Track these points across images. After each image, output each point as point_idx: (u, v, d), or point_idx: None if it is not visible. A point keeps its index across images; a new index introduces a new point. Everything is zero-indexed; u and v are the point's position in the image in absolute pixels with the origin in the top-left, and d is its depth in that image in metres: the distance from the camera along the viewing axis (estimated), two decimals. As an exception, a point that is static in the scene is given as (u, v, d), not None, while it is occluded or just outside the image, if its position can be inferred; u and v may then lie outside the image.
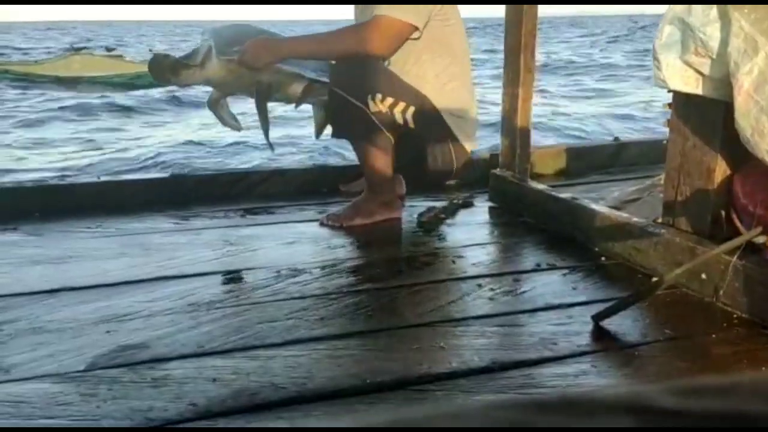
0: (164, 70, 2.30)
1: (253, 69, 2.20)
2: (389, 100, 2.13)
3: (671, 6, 1.61)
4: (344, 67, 2.15)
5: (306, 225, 2.24)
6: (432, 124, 2.22)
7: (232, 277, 1.78)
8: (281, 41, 2.25)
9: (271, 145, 2.46)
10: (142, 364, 1.31)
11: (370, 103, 2.11)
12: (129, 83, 13.96)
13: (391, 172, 2.25)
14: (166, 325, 1.48)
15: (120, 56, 18.70)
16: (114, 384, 1.23)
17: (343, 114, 2.17)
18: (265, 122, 2.36)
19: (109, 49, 20.60)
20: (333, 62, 2.21)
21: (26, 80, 15.85)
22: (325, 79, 2.27)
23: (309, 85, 2.34)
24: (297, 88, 2.35)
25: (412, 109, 2.16)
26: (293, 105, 2.44)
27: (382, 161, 2.21)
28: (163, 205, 2.41)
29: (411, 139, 2.22)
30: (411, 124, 2.17)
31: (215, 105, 2.46)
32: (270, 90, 2.33)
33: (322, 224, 2.23)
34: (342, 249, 2.01)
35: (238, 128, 2.52)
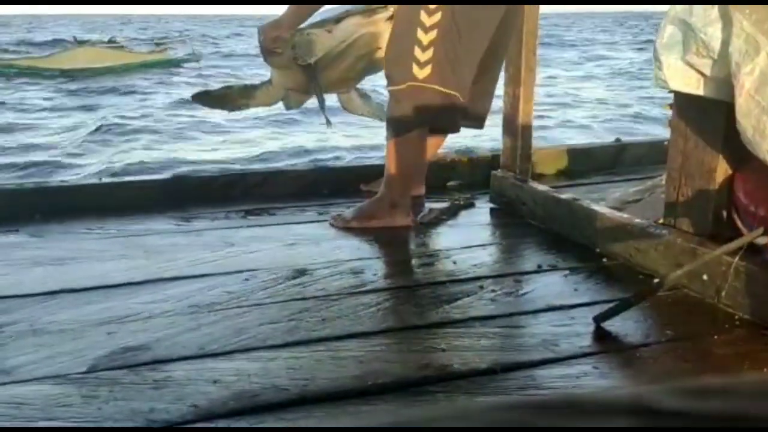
0: (233, 98, 2.51)
1: (274, 48, 2.31)
2: (427, 45, 2.09)
3: (672, 6, 1.61)
4: (387, 65, 2.19)
5: (306, 226, 2.24)
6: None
7: (233, 278, 1.78)
8: (281, 15, 2.35)
9: (327, 120, 2.51)
10: (143, 366, 1.31)
11: (415, 68, 2.10)
12: (134, 71, 14.20)
13: (411, 173, 2.24)
14: (166, 326, 1.48)
15: (122, 47, 18.80)
16: (115, 386, 1.23)
17: (401, 104, 2.15)
18: (320, 95, 2.43)
19: (111, 41, 20.68)
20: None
21: (31, 74, 15.92)
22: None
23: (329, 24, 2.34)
24: (323, 38, 2.34)
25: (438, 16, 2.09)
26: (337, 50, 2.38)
27: (409, 158, 2.21)
28: (164, 207, 2.41)
29: None
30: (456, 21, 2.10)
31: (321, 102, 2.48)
32: (310, 47, 2.32)
33: (331, 225, 2.24)
34: (343, 250, 2.01)
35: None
